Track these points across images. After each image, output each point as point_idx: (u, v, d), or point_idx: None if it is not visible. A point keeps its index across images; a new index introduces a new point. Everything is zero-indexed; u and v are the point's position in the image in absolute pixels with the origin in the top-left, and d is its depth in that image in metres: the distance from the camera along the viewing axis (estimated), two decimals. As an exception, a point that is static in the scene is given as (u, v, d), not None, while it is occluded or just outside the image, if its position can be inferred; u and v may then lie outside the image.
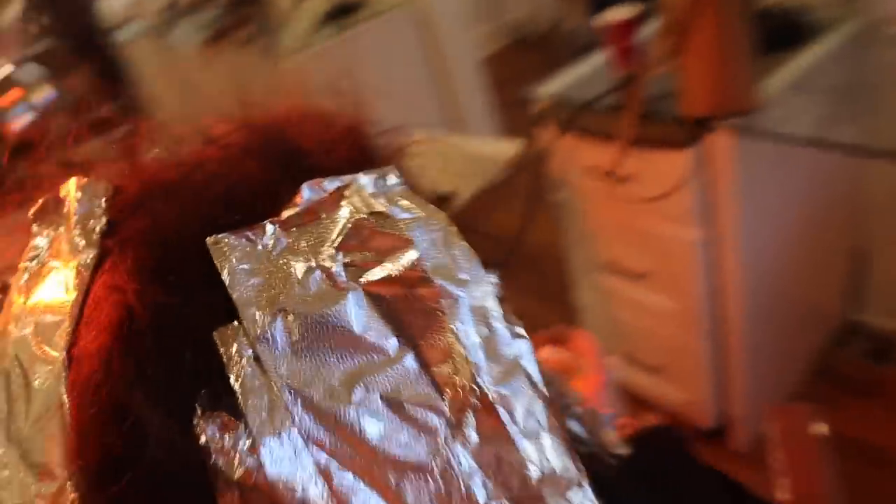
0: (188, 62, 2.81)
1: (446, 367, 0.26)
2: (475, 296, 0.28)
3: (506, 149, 1.65)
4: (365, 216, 0.28)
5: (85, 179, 0.30)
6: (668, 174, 1.31)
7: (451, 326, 0.26)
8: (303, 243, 0.27)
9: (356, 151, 0.32)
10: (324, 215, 0.28)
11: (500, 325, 0.28)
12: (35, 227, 0.31)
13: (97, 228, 0.28)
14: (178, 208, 0.28)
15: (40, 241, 0.30)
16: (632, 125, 1.30)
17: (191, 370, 0.25)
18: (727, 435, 1.63)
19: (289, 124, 0.32)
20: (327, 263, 0.26)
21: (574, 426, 0.41)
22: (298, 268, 0.26)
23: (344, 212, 0.28)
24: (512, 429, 0.26)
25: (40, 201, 0.31)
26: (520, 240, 1.88)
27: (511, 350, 0.28)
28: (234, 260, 0.26)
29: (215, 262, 0.26)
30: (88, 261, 0.28)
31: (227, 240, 0.27)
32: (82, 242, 0.28)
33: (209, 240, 0.26)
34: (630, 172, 1.38)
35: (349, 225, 0.27)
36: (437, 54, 2.70)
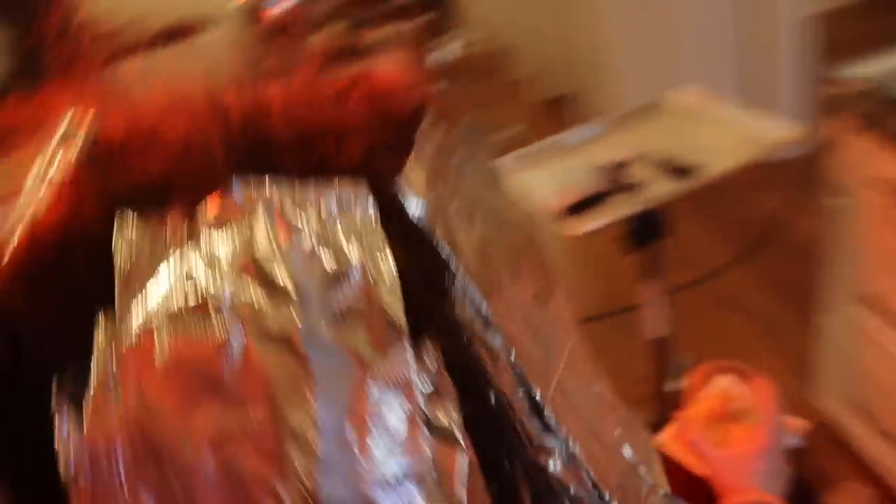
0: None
1: (294, 449, 0.22)
2: (381, 372, 0.23)
3: (782, 129, 1.39)
4: (271, 241, 0.23)
5: (76, 109, 0.28)
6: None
7: (314, 403, 0.22)
8: (204, 248, 0.24)
9: (378, 148, 0.27)
10: (238, 223, 0.24)
11: (398, 420, 0.23)
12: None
13: (53, 169, 0.27)
14: (113, 175, 0.26)
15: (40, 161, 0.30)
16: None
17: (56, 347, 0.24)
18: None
19: (292, 106, 0.28)
20: (218, 284, 0.23)
21: None
22: (187, 279, 0.23)
23: (257, 228, 0.24)
24: None
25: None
26: (770, 232, 1.62)
27: (404, 459, 0.23)
28: (131, 250, 0.24)
29: (113, 240, 0.24)
30: (40, 198, 0.27)
31: (134, 228, 0.24)
32: (39, 174, 0.27)
33: (117, 217, 0.24)
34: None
35: (257, 248, 0.23)
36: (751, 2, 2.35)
